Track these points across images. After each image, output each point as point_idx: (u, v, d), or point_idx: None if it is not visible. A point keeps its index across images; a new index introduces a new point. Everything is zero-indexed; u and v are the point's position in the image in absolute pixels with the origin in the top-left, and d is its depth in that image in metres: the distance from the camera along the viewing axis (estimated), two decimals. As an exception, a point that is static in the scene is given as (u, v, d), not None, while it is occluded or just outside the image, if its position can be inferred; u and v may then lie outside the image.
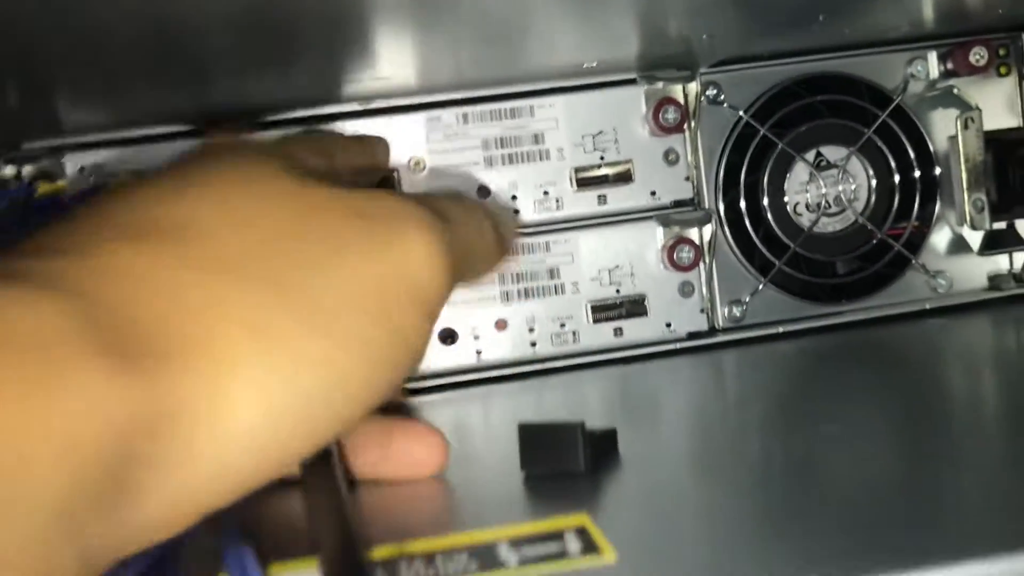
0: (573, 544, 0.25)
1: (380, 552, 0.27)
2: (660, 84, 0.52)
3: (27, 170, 0.49)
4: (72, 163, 0.49)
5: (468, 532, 0.27)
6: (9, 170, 0.49)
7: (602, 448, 0.33)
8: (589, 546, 0.25)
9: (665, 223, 0.53)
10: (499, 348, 0.53)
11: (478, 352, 0.53)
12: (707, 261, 0.53)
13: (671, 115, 0.52)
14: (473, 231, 0.30)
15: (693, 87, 0.53)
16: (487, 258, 0.31)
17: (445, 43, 0.43)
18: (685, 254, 0.52)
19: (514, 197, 0.53)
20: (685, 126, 0.53)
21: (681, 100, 0.53)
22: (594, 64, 0.50)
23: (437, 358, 0.52)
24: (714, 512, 0.29)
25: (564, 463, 0.32)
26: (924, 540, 0.23)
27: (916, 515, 0.25)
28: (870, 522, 0.25)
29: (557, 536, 0.26)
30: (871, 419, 0.37)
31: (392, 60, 0.45)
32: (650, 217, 0.53)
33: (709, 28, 0.46)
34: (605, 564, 0.24)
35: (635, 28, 0.46)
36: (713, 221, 0.53)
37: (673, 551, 0.25)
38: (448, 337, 0.52)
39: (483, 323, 0.53)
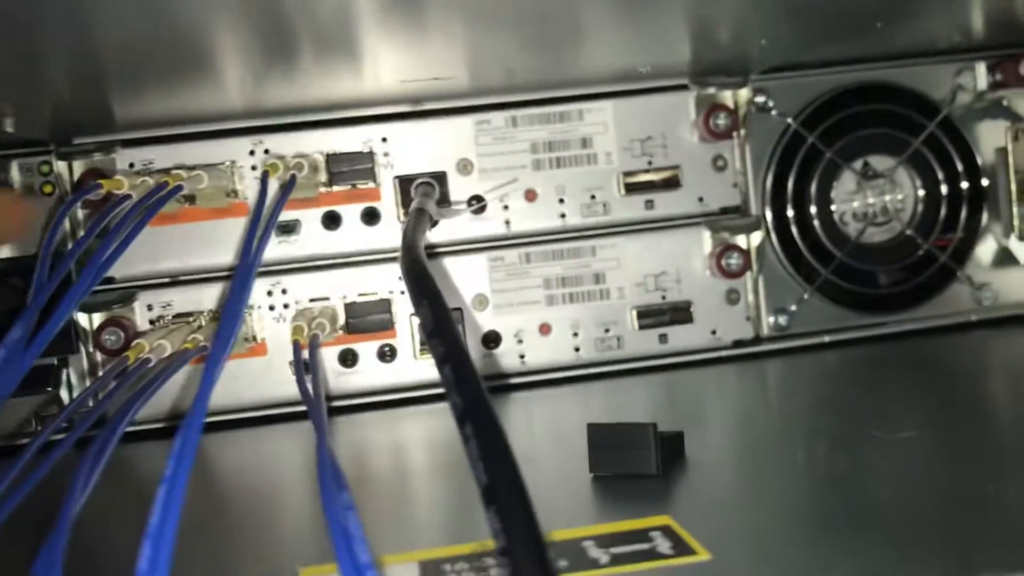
0: (663, 544, 0.25)
1: (460, 549, 0.26)
2: (712, 89, 0.52)
3: (78, 165, 0.49)
4: (123, 159, 0.49)
5: (547, 532, 0.27)
6: (61, 165, 0.49)
7: (670, 450, 0.33)
8: (680, 545, 0.25)
9: (714, 229, 0.52)
10: (543, 352, 0.53)
11: (521, 356, 0.52)
12: (755, 268, 0.53)
13: (722, 121, 0.52)
14: None
15: (743, 94, 0.53)
16: None
17: (497, 44, 0.43)
18: (734, 261, 0.52)
19: (561, 200, 0.52)
20: (734, 133, 0.53)
21: (731, 106, 0.53)
22: (648, 69, 0.50)
23: (479, 362, 0.52)
24: (786, 514, 0.29)
25: (636, 465, 0.32)
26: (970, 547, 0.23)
27: (961, 524, 0.26)
28: (923, 531, 0.26)
29: (642, 536, 0.26)
30: (916, 429, 0.37)
31: (444, 60, 0.44)
32: (698, 223, 0.53)
33: (766, 34, 0.46)
34: (701, 562, 0.24)
35: (689, 33, 0.46)
36: (761, 228, 0.53)
37: (761, 551, 0.25)
38: (492, 341, 0.52)
39: (527, 327, 0.52)
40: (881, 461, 0.33)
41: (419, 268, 0.33)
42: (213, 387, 0.26)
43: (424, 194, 0.48)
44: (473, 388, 0.25)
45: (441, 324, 0.28)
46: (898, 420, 0.39)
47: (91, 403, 0.46)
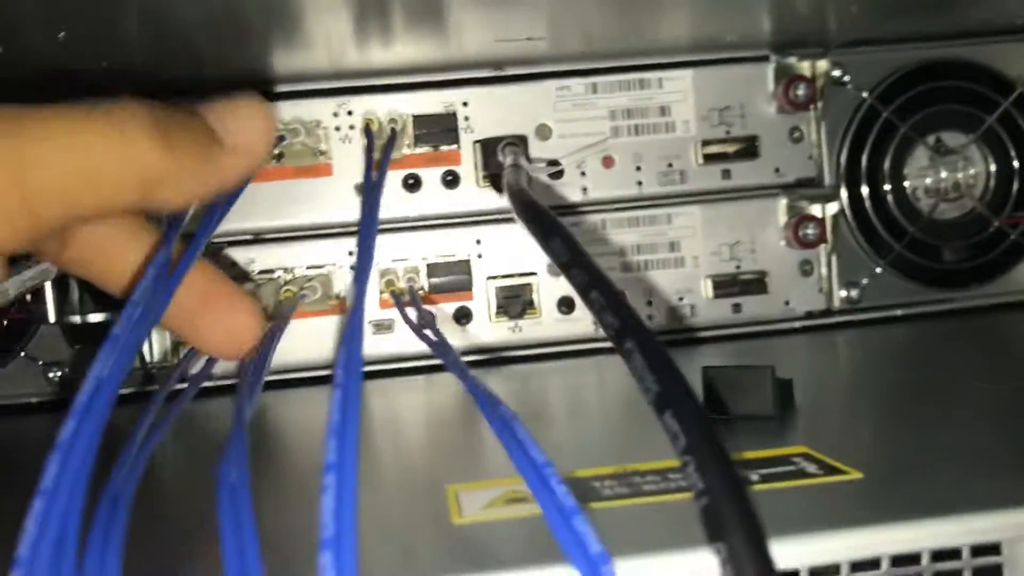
0: (808, 466, 0.25)
1: (603, 470, 0.27)
2: (792, 60, 0.53)
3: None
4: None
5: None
6: (150, 119, 0.49)
7: (783, 394, 0.33)
8: (827, 467, 0.25)
9: (790, 199, 0.53)
10: (616, 320, 0.53)
11: (595, 322, 0.53)
12: (829, 239, 0.53)
13: (801, 91, 0.52)
14: None
15: (822, 65, 0.53)
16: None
17: (581, 7, 0.43)
18: (811, 231, 0.52)
19: (638, 168, 0.53)
20: (812, 105, 0.53)
21: (810, 76, 0.53)
22: (734, 38, 0.50)
23: (555, 327, 0.52)
24: (911, 447, 0.29)
25: (753, 406, 0.32)
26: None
27: None
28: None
29: (784, 461, 0.26)
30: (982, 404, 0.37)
31: (528, 23, 0.45)
32: (773, 194, 0.53)
33: (850, 4, 0.47)
34: (855, 479, 0.24)
35: (772, 3, 0.46)
36: (837, 199, 0.53)
37: (905, 471, 0.25)
38: (565, 306, 0.52)
39: (601, 294, 0.53)
40: (988, 410, 0.33)
41: (537, 208, 0.33)
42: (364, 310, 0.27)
43: (514, 153, 0.49)
44: (624, 307, 0.25)
45: (576, 254, 0.29)
46: (981, 379, 0.39)
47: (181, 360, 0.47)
